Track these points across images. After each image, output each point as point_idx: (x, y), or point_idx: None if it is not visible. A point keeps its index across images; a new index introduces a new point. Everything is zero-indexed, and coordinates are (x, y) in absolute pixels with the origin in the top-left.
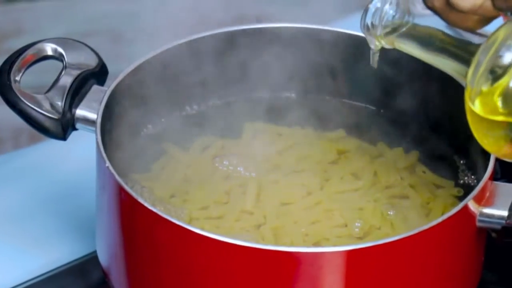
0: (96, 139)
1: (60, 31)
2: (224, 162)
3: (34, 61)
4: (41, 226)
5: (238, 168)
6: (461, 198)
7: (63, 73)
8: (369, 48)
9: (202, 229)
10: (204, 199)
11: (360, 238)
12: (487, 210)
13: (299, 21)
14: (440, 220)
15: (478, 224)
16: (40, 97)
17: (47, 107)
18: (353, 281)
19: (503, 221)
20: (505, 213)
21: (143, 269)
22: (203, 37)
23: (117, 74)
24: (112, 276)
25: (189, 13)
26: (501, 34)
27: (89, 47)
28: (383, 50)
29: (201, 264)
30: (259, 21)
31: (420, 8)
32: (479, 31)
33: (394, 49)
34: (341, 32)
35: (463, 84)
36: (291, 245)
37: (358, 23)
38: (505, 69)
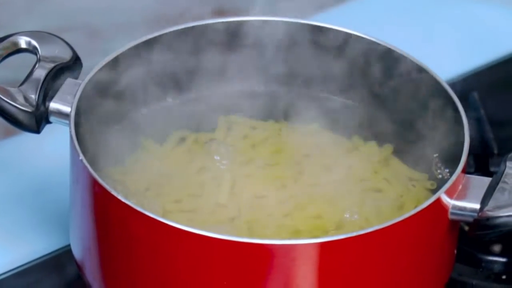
0: (70, 132)
1: (36, 26)
2: (222, 150)
3: (7, 54)
4: (15, 219)
5: (224, 162)
6: (434, 191)
7: (37, 66)
8: (343, 41)
9: (176, 222)
10: (177, 192)
11: (334, 230)
12: (459, 203)
13: (274, 15)
14: (413, 212)
15: (450, 216)
16: (13, 90)
17: (20, 100)
18: (326, 273)
19: (475, 214)
20: (477, 206)
21: (117, 262)
22: (178, 31)
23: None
24: (86, 270)
25: (166, 7)
26: None
27: (63, 40)
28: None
29: (175, 257)
30: (236, 15)
31: None
32: None
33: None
34: (316, 26)
35: None
36: (265, 237)
37: (334, 17)
38: None
